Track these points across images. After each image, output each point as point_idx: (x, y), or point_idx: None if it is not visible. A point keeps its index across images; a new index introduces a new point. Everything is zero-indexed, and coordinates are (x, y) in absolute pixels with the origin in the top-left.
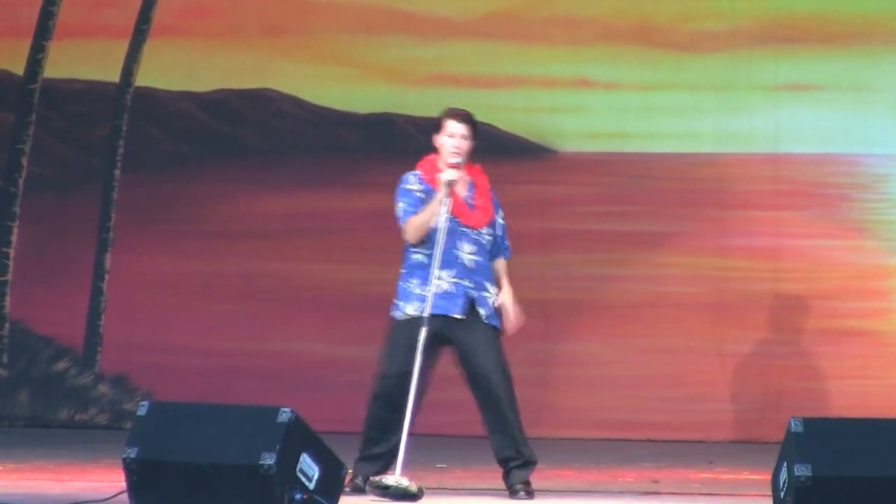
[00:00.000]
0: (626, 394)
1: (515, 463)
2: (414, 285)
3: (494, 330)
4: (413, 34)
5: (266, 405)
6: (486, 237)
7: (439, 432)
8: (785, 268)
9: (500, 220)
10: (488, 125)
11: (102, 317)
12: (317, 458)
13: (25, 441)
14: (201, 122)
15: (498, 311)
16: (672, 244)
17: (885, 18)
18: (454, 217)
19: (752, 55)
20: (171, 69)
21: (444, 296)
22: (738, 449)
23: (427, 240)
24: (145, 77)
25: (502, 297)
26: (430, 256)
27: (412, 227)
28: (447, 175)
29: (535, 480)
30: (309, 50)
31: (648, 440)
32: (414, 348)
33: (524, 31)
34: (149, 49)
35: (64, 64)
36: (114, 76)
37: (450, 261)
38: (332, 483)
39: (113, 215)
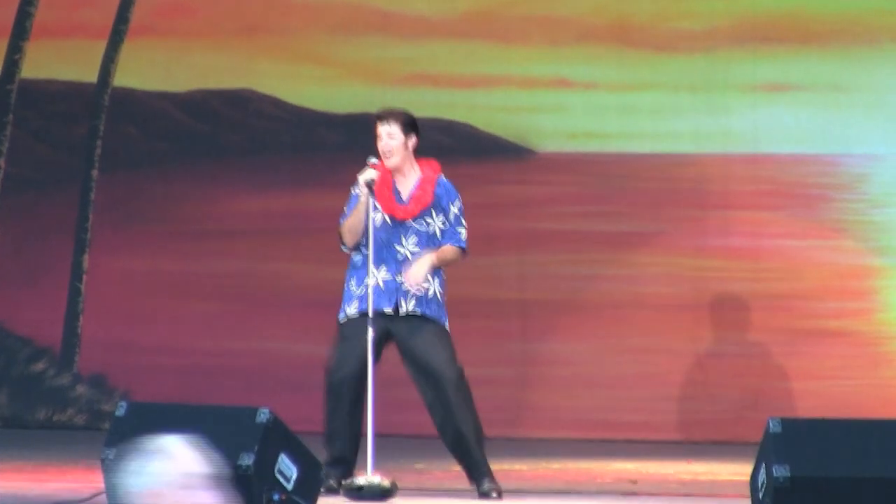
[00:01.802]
0: (605, 394)
1: (470, 457)
2: (353, 285)
3: (437, 323)
4: (391, 34)
5: (244, 406)
6: (433, 227)
7: (417, 433)
8: (764, 268)
9: (455, 209)
10: (467, 125)
11: (80, 317)
12: (295, 459)
13: (3, 442)
14: (179, 122)
15: (440, 303)
16: (651, 244)
17: (863, 18)
18: (387, 214)
19: (730, 55)
20: (149, 69)
21: (376, 291)
22: (716, 449)
23: (363, 241)
24: (123, 77)
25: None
26: (365, 257)
27: (344, 230)
28: (365, 175)
29: (514, 481)
30: (287, 50)
31: (627, 440)
32: (355, 347)
33: (502, 31)
34: (127, 49)
35: (41, 64)
36: (91, 76)
37: (386, 257)
38: (310, 483)
39: (91, 215)
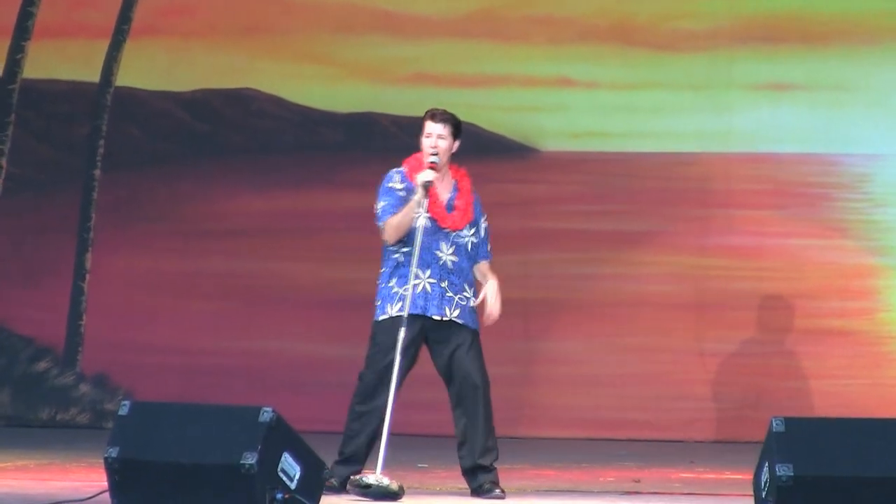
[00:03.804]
0: (607, 393)
1: (482, 467)
2: (393, 285)
3: (475, 333)
4: (394, 33)
5: (247, 405)
6: (467, 239)
7: (421, 432)
8: (766, 267)
9: (484, 223)
10: (469, 124)
11: (83, 316)
12: (298, 458)
13: (6, 441)
14: (182, 121)
15: (475, 312)
16: (653, 243)
17: (865, 18)
18: (432, 218)
19: (732, 54)
20: (151, 69)
21: (422, 296)
22: (719, 448)
23: (406, 240)
24: (125, 77)
25: (486, 288)
26: (408, 256)
27: (390, 227)
28: (424, 176)
29: (516, 480)
30: (289, 49)
31: (629, 439)
32: (394, 348)
33: (505, 31)
34: (129, 49)
35: (43, 64)
36: (94, 76)
37: (428, 261)
38: (313, 483)
39: (93, 215)
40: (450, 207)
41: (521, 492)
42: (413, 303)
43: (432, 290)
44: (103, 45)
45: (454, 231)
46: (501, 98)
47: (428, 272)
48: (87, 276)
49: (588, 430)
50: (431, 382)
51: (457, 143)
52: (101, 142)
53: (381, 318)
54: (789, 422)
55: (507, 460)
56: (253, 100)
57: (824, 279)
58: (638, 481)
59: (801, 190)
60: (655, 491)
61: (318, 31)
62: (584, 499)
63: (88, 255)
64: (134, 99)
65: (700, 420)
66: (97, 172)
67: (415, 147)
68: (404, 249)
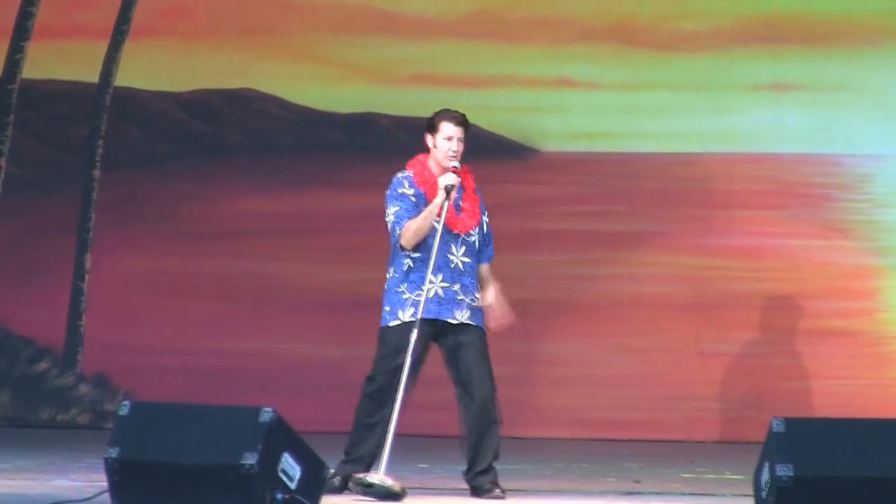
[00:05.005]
0: (608, 393)
1: (481, 468)
2: (404, 290)
3: (482, 332)
4: (394, 34)
5: (247, 405)
6: (475, 238)
7: (422, 432)
8: (767, 267)
9: (486, 219)
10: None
11: (83, 317)
12: (298, 458)
13: (6, 441)
14: (181, 121)
15: (481, 311)
16: (654, 243)
17: (866, 19)
18: (447, 224)
19: (733, 55)
20: (150, 69)
21: (434, 300)
22: (719, 448)
23: (419, 244)
24: (125, 77)
25: (489, 296)
26: (419, 260)
27: (410, 232)
28: (448, 179)
29: (516, 481)
30: (289, 50)
31: (630, 440)
32: (405, 351)
33: (505, 31)
34: (128, 49)
35: (43, 64)
36: (93, 76)
37: (441, 265)
38: (313, 483)
39: (93, 215)
40: (458, 209)
41: (522, 492)
42: (426, 308)
43: (445, 295)
44: (103, 46)
45: (464, 232)
46: (501, 99)
47: (440, 276)
48: (87, 277)
49: (588, 431)
50: (432, 383)
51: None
52: (101, 142)
53: (393, 323)
54: (789, 422)
55: (508, 461)
56: (253, 100)
57: (825, 280)
58: (638, 482)
59: (801, 190)
60: (656, 491)
61: (318, 31)
62: (585, 499)
63: (88, 256)
64: (133, 99)
65: (700, 420)
66: (96, 173)
67: (415, 147)
68: (415, 254)
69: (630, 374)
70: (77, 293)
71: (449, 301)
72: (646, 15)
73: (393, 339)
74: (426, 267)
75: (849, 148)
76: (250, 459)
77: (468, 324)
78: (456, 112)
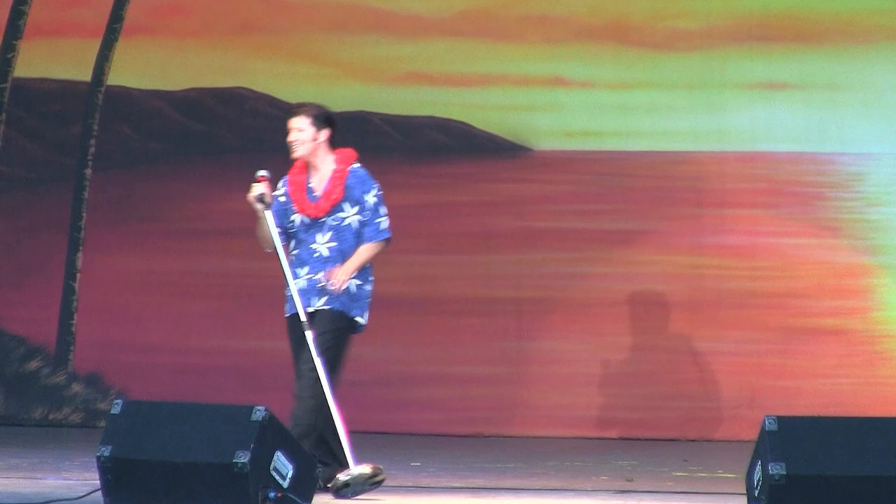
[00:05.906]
0: (601, 392)
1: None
2: (286, 287)
3: (333, 313)
4: (387, 32)
5: (240, 404)
6: (349, 219)
7: (414, 430)
8: (760, 266)
9: (371, 198)
10: (463, 123)
11: (75, 316)
12: (291, 457)
13: None
14: (174, 120)
15: (350, 295)
16: (647, 242)
17: (858, 17)
18: (300, 212)
19: (726, 54)
20: (143, 68)
21: (301, 293)
22: (712, 447)
23: (289, 243)
24: (117, 76)
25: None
26: (294, 257)
27: (259, 240)
28: (252, 192)
29: (509, 479)
30: (282, 48)
31: (622, 438)
32: (295, 346)
33: (499, 30)
34: (121, 48)
35: (35, 63)
36: (85, 75)
37: (305, 257)
38: (306, 481)
39: (85, 214)
40: (310, 194)
41: (514, 490)
42: (302, 301)
43: (307, 285)
44: (95, 44)
45: (326, 216)
46: (495, 97)
47: (306, 269)
48: (79, 276)
49: (581, 429)
50: (426, 382)
51: (325, 131)
52: (93, 141)
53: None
54: (782, 421)
55: (501, 459)
56: (246, 99)
57: (818, 278)
58: (631, 480)
59: (794, 189)
60: (648, 490)
61: (312, 30)
62: (578, 498)
63: (80, 255)
64: (126, 98)
65: (693, 419)
66: (88, 171)
67: (409, 146)
68: (294, 252)
69: (623, 372)
70: (69, 292)
71: (310, 290)
72: (639, 14)
73: (289, 334)
74: (295, 263)
75: (842, 147)
76: (243, 458)
77: (323, 309)
78: (295, 104)
